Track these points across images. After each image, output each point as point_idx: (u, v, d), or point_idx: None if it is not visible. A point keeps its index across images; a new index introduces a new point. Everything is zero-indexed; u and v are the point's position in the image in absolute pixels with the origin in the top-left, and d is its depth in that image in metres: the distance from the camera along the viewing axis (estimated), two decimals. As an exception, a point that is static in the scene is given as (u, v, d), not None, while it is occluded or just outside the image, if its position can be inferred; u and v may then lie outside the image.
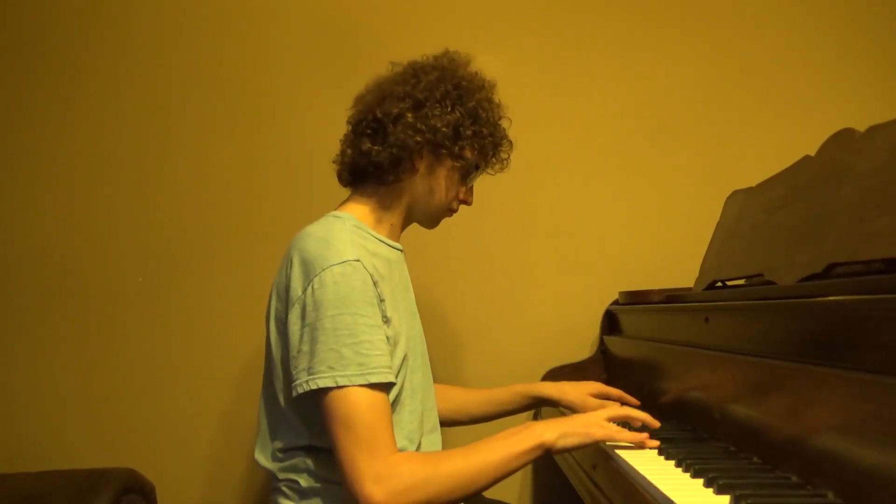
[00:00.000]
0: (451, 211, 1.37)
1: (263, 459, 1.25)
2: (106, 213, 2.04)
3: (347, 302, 1.11)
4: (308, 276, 1.14)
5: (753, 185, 1.48)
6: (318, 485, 1.19)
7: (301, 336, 1.13)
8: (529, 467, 2.01)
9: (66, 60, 2.05)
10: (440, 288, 2.03)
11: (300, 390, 1.11)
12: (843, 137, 1.16)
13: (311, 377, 1.10)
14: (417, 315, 1.39)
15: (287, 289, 1.18)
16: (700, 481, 0.94)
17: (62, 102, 2.05)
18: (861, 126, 1.13)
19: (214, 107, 2.05)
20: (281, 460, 1.22)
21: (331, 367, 1.09)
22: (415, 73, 1.30)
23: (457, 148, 1.28)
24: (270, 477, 1.25)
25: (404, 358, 1.24)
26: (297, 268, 1.17)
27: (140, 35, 2.06)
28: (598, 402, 1.44)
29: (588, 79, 2.07)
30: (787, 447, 0.95)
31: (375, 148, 1.26)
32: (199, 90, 2.05)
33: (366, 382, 1.08)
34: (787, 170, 1.33)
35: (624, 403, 1.43)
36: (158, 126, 2.05)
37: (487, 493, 1.57)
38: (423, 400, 1.31)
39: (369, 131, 1.28)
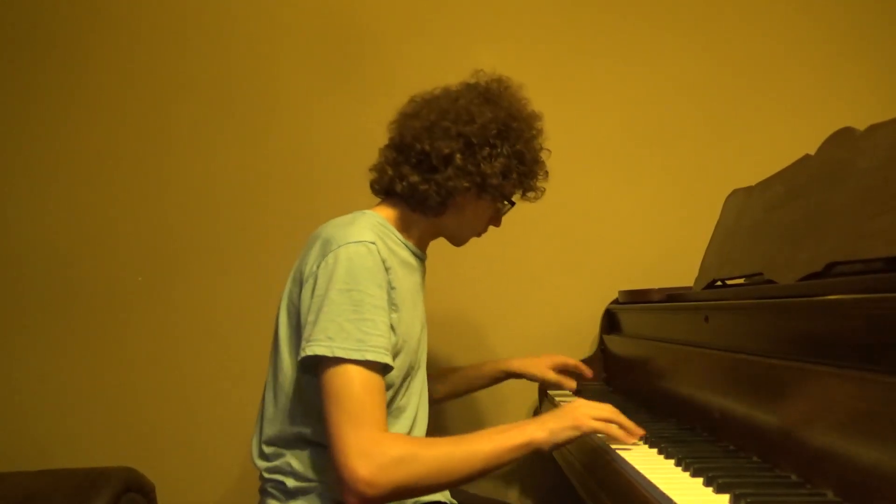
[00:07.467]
0: (479, 234, 1.41)
1: (255, 454, 1.26)
2: (108, 212, 2.04)
3: (357, 279, 1.12)
4: (324, 253, 1.15)
5: (753, 184, 1.48)
6: (303, 484, 1.19)
7: (309, 308, 1.13)
8: (530, 467, 2.01)
9: (69, 61, 2.05)
10: (439, 287, 2.02)
11: (299, 357, 1.12)
12: (843, 136, 1.16)
13: (307, 344, 1.10)
14: (426, 327, 1.39)
15: (302, 270, 1.19)
16: (700, 480, 0.94)
17: (65, 102, 2.05)
18: (861, 126, 1.12)
19: (217, 107, 2.05)
20: (268, 459, 1.23)
21: (329, 338, 1.09)
22: (468, 109, 1.27)
23: (503, 190, 1.31)
24: (259, 477, 1.26)
25: (408, 363, 1.24)
26: (315, 249, 1.18)
27: (144, 36, 2.06)
28: (556, 376, 1.65)
29: (588, 79, 2.07)
30: (787, 446, 0.95)
31: (423, 186, 1.26)
32: (202, 90, 2.05)
33: (362, 358, 1.08)
34: (786, 169, 1.33)
35: (580, 374, 1.69)
36: (160, 126, 2.05)
37: (487, 494, 1.58)
38: (418, 406, 1.31)
39: (414, 161, 1.27)
